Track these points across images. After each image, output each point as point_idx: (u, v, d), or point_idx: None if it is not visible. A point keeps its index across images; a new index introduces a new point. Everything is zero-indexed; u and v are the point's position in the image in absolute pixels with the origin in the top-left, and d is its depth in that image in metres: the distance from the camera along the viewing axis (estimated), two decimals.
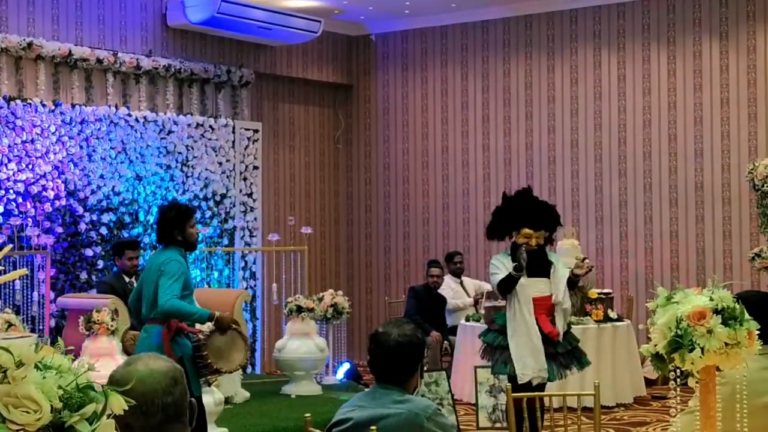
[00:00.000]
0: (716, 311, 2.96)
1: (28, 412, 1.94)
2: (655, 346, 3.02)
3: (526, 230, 7.31)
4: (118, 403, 2.06)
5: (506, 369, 7.40)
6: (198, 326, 6.46)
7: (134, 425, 2.58)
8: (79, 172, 10.10)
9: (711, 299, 3.00)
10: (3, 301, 9.05)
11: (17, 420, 1.94)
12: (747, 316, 3.00)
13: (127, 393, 2.11)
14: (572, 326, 7.92)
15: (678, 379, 3.02)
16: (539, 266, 7.38)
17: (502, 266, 7.36)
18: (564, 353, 7.40)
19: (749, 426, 3.12)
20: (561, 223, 7.75)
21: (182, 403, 2.67)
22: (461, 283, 11.59)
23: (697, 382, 3.02)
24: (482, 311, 10.39)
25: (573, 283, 7.43)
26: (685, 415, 3.46)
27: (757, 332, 3.01)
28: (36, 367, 2.01)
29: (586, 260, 7.59)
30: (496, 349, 7.47)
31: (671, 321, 2.97)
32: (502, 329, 7.47)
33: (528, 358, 7.25)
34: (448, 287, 11.36)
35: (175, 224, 6.40)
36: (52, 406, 1.97)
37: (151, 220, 10.77)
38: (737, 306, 3.00)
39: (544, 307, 7.39)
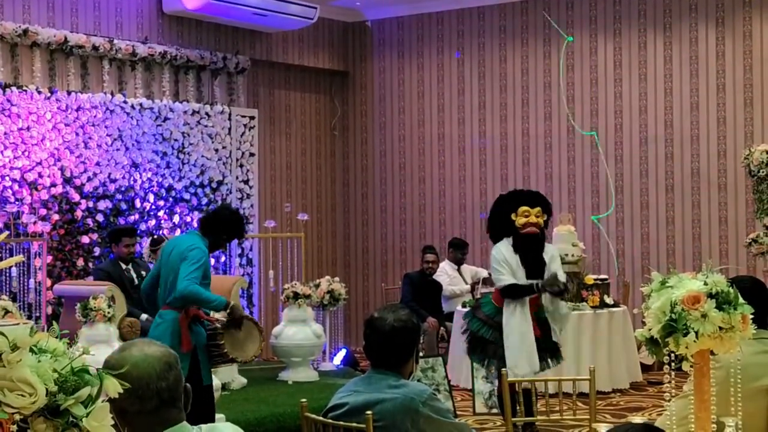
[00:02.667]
0: (710, 295, 2.96)
1: (23, 396, 1.95)
2: (650, 330, 3.02)
3: (524, 207, 7.39)
4: (113, 386, 2.06)
5: (479, 363, 7.54)
6: (213, 314, 6.41)
7: (129, 410, 2.57)
8: (75, 159, 10.09)
9: (705, 284, 3.00)
10: (0, 288, 9.06)
11: (13, 403, 1.94)
12: (741, 300, 3.01)
13: (122, 378, 2.11)
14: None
15: (672, 364, 3.02)
16: (535, 264, 7.44)
17: (505, 264, 7.39)
18: (545, 348, 7.53)
19: (743, 410, 3.13)
20: (551, 210, 7.85)
21: (177, 388, 2.66)
22: (458, 270, 11.59)
23: (691, 367, 3.02)
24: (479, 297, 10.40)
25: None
26: (679, 400, 3.47)
27: (751, 316, 3.01)
28: (31, 351, 2.02)
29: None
30: (479, 342, 7.53)
31: (665, 305, 2.97)
32: (487, 319, 7.51)
33: (522, 359, 7.33)
34: (446, 273, 11.35)
35: (221, 228, 6.35)
36: (47, 389, 1.98)
37: (147, 207, 10.77)
38: (731, 290, 2.99)
39: (533, 307, 7.50)
